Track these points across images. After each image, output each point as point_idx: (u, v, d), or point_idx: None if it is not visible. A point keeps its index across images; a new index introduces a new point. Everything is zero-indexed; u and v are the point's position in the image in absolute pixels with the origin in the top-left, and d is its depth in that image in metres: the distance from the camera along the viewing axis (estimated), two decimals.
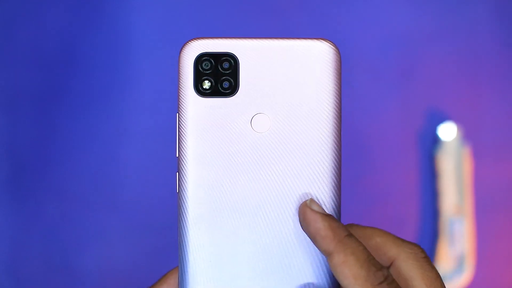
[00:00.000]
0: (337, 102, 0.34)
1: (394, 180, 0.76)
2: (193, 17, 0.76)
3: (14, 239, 0.73)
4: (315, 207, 0.32)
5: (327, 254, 0.31)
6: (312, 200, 0.33)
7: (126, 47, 0.75)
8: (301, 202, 0.33)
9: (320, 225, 0.31)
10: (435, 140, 0.76)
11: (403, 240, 0.34)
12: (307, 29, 0.76)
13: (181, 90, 0.34)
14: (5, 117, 0.74)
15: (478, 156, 0.76)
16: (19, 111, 0.74)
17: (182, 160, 0.34)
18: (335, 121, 0.34)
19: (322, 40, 0.34)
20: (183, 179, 0.34)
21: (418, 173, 0.76)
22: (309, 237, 0.32)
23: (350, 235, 0.31)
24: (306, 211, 0.32)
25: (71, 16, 0.75)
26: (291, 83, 0.34)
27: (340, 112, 0.34)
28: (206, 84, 0.34)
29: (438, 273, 0.33)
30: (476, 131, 0.76)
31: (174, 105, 0.82)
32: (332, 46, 0.34)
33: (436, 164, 0.75)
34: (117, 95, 0.75)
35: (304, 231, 0.33)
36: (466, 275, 0.74)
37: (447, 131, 0.75)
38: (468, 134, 0.76)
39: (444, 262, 0.74)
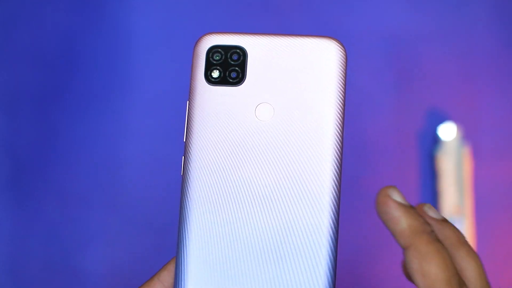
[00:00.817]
0: (340, 97, 0.35)
1: (394, 180, 0.76)
2: (193, 18, 0.76)
3: (14, 239, 0.73)
4: (397, 197, 0.34)
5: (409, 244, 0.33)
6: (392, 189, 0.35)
7: (126, 47, 0.75)
8: (300, 190, 0.34)
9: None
10: (435, 140, 0.76)
11: None
12: (306, 29, 0.76)
13: (192, 78, 0.36)
14: (5, 117, 0.74)
15: (478, 156, 0.76)
16: (19, 111, 0.74)
17: (188, 144, 0.35)
18: (338, 113, 0.35)
19: (329, 38, 0.36)
20: (187, 161, 0.35)
21: (418, 173, 0.76)
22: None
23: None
24: (388, 202, 0.34)
25: (72, 16, 0.75)
26: (296, 77, 0.35)
27: (343, 107, 0.35)
28: (216, 73, 0.36)
29: None
30: (476, 131, 0.76)
31: (174, 105, 0.82)
32: (338, 44, 0.36)
33: (436, 164, 0.75)
34: (117, 95, 0.75)
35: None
36: None
37: (447, 131, 0.75)
38: (468, 134, 0.76)
39: None
